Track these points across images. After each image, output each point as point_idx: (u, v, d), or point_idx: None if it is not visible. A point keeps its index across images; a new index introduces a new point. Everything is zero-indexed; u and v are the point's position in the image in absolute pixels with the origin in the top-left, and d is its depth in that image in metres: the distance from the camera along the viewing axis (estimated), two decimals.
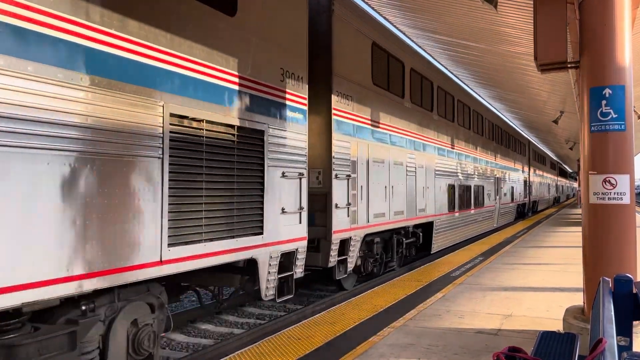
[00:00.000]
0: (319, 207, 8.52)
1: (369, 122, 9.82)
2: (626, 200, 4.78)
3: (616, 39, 4.84)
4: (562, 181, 66.34)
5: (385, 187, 10.35)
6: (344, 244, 8.88)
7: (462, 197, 16.25)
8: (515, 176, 27.06)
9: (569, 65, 5.47)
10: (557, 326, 5.78)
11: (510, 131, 26.22)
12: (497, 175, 21.94)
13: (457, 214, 15.57)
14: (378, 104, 10.22)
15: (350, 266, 9.12)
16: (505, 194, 23.64)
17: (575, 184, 78.20)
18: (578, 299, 6.38)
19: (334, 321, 6.53)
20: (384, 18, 12.62)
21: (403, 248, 11.80)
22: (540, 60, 5.50)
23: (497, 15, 9.77)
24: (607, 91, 4.83)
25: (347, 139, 8.93)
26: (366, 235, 9.70)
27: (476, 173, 18.19)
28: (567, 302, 6.76)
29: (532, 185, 33.60)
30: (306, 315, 8.23)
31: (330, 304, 8.83)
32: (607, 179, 4.82)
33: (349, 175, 8.84)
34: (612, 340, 2.21)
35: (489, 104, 23.21)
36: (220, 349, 6.60)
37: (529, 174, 32.21)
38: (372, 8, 11.96)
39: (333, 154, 8.42)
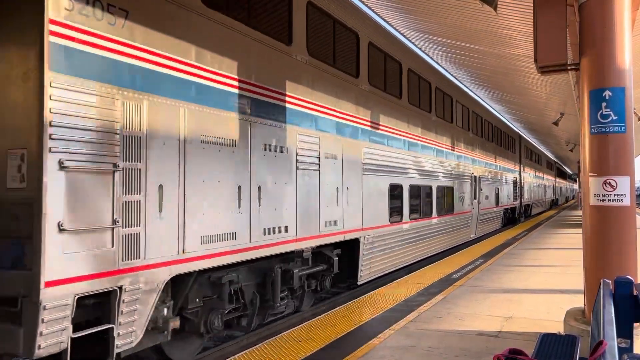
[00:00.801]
0: (26, 230, 4.18)
1: (191, 69, 5.61)
2: (626, 202, 4.79)
3: (616, 41, 4.85)
4: (561, 182, 65.42)
5: (240, 187, 6.22)
6: (110, 302, 4.64)
7: (417, 201, 12.30)
8: (502, 176, 23.55)
9: (569, 67, 5.48)
10: (558, 328, 5.79)
11: (494, 122, 22.19)
12: (476, 174, 18.35)
13: (405, 226, 11.43)
14: (221, 44, 6.05)
15: (125, 342, 4.72)
16: (487, 197, 19.89)
17: (575, 185, 78.10)
18: (579, 301, 6.39)
19: (335, 323, 6.53)
20: (383, 19, 12.65)
21: (297, 284, 7.64)
22: (540, 62, 5.50)
23: (497, 17, 9.79)
24: (607, 93, 4.84)
25: (107, 91, 4.63)
26: (199, 274, 5.80)
27: (442, 170, 14.47)
28: (567, 304, 6.77)
29: (524, 186, 30.32)
30: (307, 317, 8.24)
31: (331, 305, 8.84)
32: (608, 180, 4.83)
33: (115, 165, 4.65)
34: (612, 342, 2.22)
35: (489, 105, 23.10)
36: (222, 351, 6.61)
37: (520, 174, 28.84)
38: (371, 9, 11.98)
39: (49, 118, 4.11)
